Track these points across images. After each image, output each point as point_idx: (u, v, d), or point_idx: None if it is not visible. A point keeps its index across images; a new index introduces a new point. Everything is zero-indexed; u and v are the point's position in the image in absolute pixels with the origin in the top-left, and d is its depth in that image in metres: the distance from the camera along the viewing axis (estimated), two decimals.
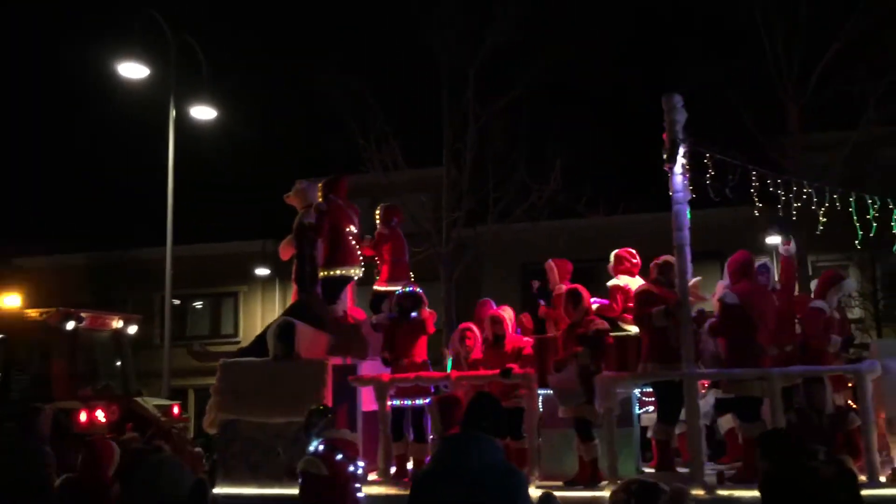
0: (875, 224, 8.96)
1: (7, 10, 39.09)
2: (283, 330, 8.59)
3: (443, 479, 3.62)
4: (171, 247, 15.39)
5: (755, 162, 8.46)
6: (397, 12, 19.47)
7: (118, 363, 12.82)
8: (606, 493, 6.38)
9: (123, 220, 26.09)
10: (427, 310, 8.92)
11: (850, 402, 8.20)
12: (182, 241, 15.61)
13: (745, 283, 7.85)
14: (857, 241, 9.26)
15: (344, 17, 20.61)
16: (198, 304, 26.99)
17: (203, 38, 16.12)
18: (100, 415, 11.17)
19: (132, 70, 14.54)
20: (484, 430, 3.74)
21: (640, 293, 8.11)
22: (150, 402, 12.19)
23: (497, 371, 8.18)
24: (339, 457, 6.24)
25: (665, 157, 7.78)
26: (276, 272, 24.42)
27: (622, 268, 9.13)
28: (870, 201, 8.91)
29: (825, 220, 9.00)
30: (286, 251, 10.27)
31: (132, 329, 12.84)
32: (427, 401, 8.31)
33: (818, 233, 9.04)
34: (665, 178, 8.06)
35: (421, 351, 8.85)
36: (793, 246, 8.57)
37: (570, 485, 7.80)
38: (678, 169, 7.76)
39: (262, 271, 25.16)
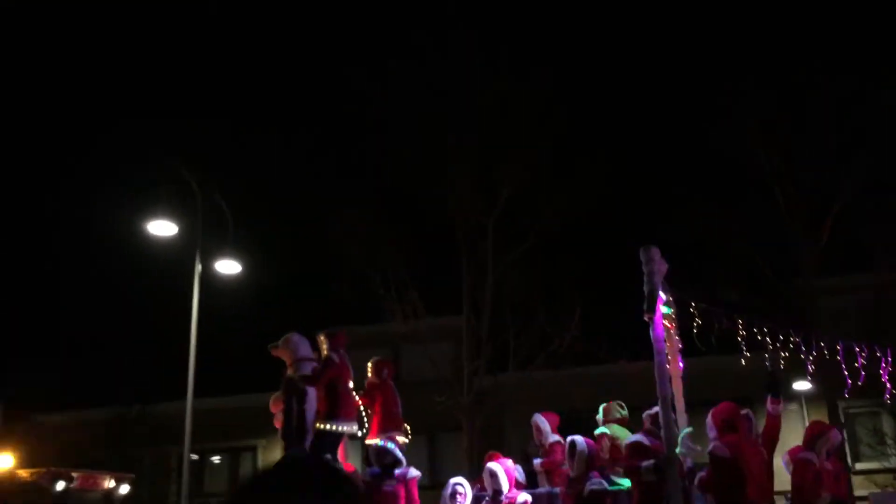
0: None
1: (38, 166, 40.74)
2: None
3: None
4: (192, 400, 15.32)
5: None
6: (415, 166, 20.12)
7: None
8: None
9: (143, 376, 26.12)
10: (412, 469, 8.90)
11: None
12: (201, 394, 15.51)
13: (733, 435, 7.70)
14: (887, 396, 9.16)
15: (362, 171, 21.34)
16: (216, 459, 26.53)
17: (228, 193, 16.69)
18: None
19: (161, 227, 14.96)
20: None
21: (632, 445, 8.07)
22: None
23: None
24: None
25: (644, 308, 7.93)
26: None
27: (610, 418, 9.29)
28: (878, 353, 9.00)
29: (812, 368, 9.01)
30: (276, 406, 10.19)
31: (124, 489, 12.68)
32: None
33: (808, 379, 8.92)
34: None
35: None
36: (782, 406, 8.39)
37: None
38: (658, 320, 7.89)
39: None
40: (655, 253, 8.09)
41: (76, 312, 35.19)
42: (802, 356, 9.06)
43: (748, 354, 9.18)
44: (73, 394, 27.16)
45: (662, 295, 8.41)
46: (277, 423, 10.01)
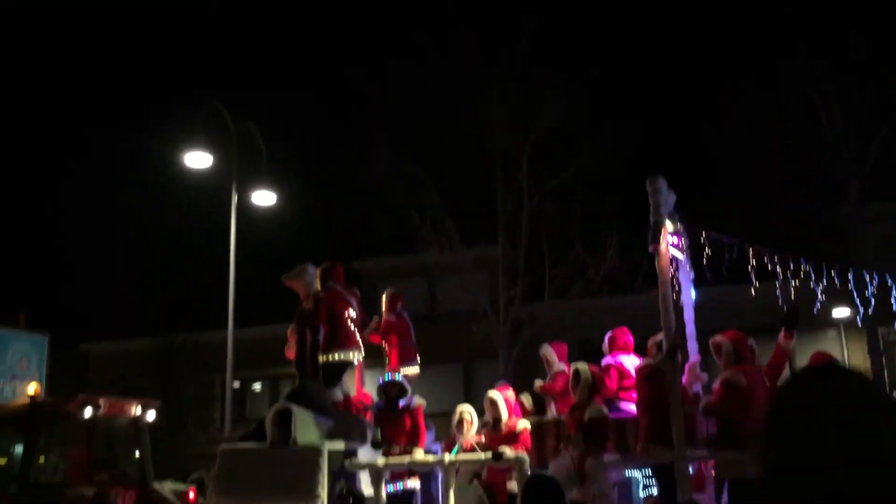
0: None
1: (77, 102, 41.04)
2: (281, 415, 8.66)
3: None
4: (233, 330, 15.60)
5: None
6: (451, 97, 19.89)
7: (137, 449, 13.08)
8: None
9: (186, 305, 26.61)
10: (416, 398, 9.11)
11: None
12: (242, 324, 15.78)
13: (744, 364, 7.73)
14: None
15: (398, 101, 21.13)
16: (256, 387, 27.16)
17: (262, 124, 16.67)
18: (113, 501, 11.31)
19: (197, 159, 15.03)
20: None
21: (640, 368, 8.16)
22: (168, 487, 12.30)
23: (490, 454, 8.25)
24: None
25: (648, 239, 7.95)
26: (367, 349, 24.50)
27: (617, 346, 9.28)
28: (867, 277, 9.02)
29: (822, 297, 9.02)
30: (292, 336, 10.42)
31: (151, 415, 13.05)
32: (417, 483, 8.76)
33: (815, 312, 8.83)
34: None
35: (414, 436, 8.90)
36: (793, 341, 8.24)
37: None
38: (663, 250, 7.88)
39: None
40: (662, 184, 8.04)
41: (119, 244, 35.84)
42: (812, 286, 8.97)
43: (757, 285, 9.09)
44: (118, 324, 27.88)
45: (670, 225, 8.36)
46: (290, 354, 10.26)
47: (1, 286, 29.51)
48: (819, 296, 9.17)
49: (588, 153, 19.32)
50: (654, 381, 7.74)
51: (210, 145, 15.28)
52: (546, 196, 19.66)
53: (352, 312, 10.03)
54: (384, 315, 10.68)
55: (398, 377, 9.23)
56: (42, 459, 12.31)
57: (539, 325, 19.68)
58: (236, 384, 21.01)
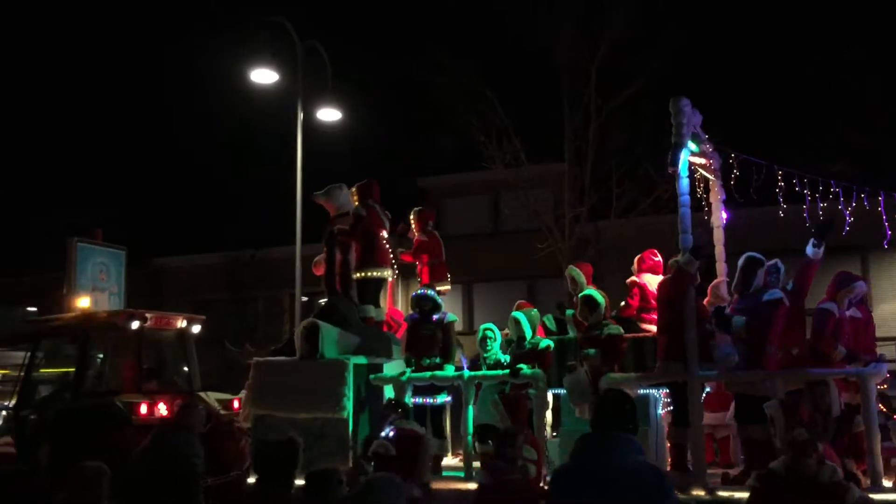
0: None
1: (147, 23, 41.31)
2: (309, 331, 9.01)
3: (585, 479, 3.53)
4: (300, 245, 15.86)
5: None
6: (517, 8, 19.40)
7: (183, 360, 13.60)
8: None
9: (255, 221, 27.16)
10: (449, 314, 9.36)
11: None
12: (310, 240, 16.01)
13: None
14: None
15: (463, 15, 20.74)
16: (322, 301, 27.74)
17: (328, 40, 16.57)
18: (162, 407, 11.83)
19: (263, 76, 15.07)
20: (623, 429, 3.65)
21: (662, 282, 8.27)
22: (213, 396, 12.80)
23: (508, 370, 8.50)
24: (405, 446, 7.12)
25: (668, 161, 7.93)
26: (400, 269, 24.80)
27: (645, 266, 9.41)
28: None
29: (851, 219, 8.95)
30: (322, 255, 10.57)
31: (196, 328, 13.55)
32: (442, 398, 9.06)
33: (843, 234, 8.90)
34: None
35: (445, 351, 9.14)
36: (821, 252, 8.12)
37: None
38: (684, 172, 7.88)
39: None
40: (685, 104, 7.97)
41: (189, 161, 36.50)
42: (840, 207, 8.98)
43: (785, 206, 9.14)
44: (191, 239, 28.63)
45: (692, 146, 8.30)
46: (318, 271, 10.47)
47: (79, 203, 30.48)
48: (847, 217, 9.09)
49: (658, 64, 18.74)
50: (673, 291, 7.76)
51: (276, 62, 15.28)
52: (614, 110, 19.22)
53: (385, 233, 10.22)
54: (415, 234, 10.82)
55: (431, 292, 9.42)
56: (95, 369, 12.99)
57: (604, 242, 19.52)
58: (304, 298, 21.48)
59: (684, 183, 7.91)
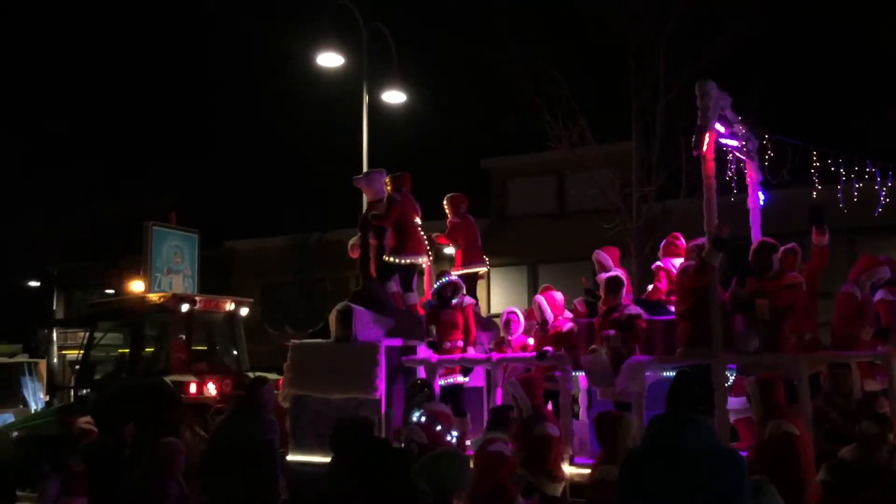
0: None
1: (215, 7, 41.99)
2: (343, 314, 9.29)
3: (659, 460, 3.50)
4: None
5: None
6: None
7: (232, 341, 13.96)
8: None
9: (322, 204, 27.48)
10: (467, 297, 9.60)
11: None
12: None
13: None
14: None
15: None
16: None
17: (391, 24, 16.62)
18: (211, 387, 12.28)
19: (328, 59, 15.22)
20: (697, 410, 3.62)
21: (683, 268, 8.23)
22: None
23: (534, 353, 8.61)
24: (438, 427, 7.11)
25: (692, 144, 7.94)
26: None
27: (671, 250, 9.50)
28: None
29: (886, 200, 8.95)
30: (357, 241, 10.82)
31: (244, 311, 13.95)
32: (464, 379, 9.30)
33: (877, 213, 8.95)
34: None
35: (466, 333, 9.38)
36: (826, 237, 8.25)
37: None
38: (710, 155, 7.85)
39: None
40: (712, 87, 7.97)
41: (257, 145, 37.11)
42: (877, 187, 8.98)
43: (819, 187, 9.08)
44: (260, 222, 29.13)
45: (720, 128, 8.30)
46: (354, 254, 10.68)
47: (155, 188, 31.26)
48: (882, 198, 9.10)
49: (728, 40, 18.27)
50: (695, 280, 7.75)
51: (342, 45, 15.41)
52: (683, 87, 18.82)
53: (417, 219, 10.48)
54: (449, 217, 11.07)
55: (446, 279, 9.69)
56: (149, 350, 13.47)
57: (673, 222, 19.21)
58: None
59: (710, 166, 7.93)
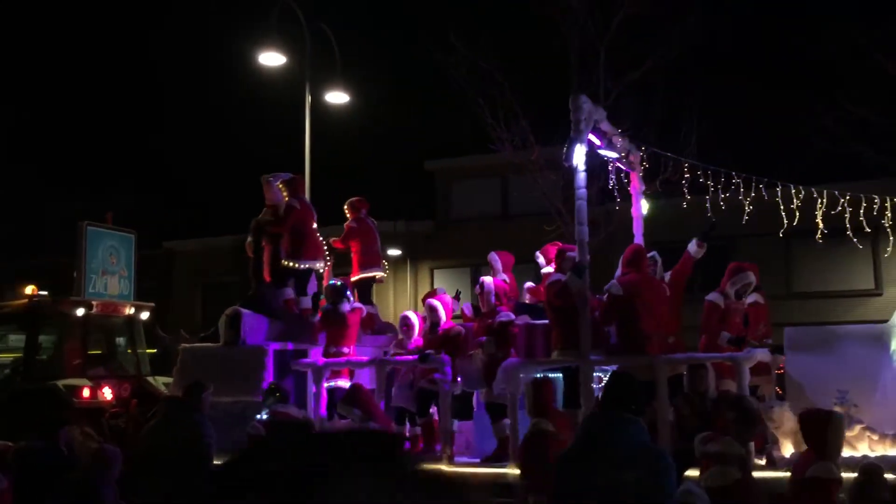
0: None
1: (156, 4, 41.25)
2: (231, 318, 9.50)
3: (590, 459, 3.57)
4: None
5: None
6: None
7: (131, 346, 13.91)
8: (511, 471, 7.58)
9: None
10: (355, 304, 9.82)
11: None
12: (318, 223, 16.08)
13: (634, 273, 8.17)
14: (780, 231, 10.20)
15: None
16: (337, 282, 27.83)
17: (335, 24, 16.52)
18: (106, 392, 12.39)
19: (271, 59, 15.05)
20: (629, 410, 3.68)
21: (550, 283, 8.50)
22: (160, 381, 13.03)
23: (416, 356, 8.90)
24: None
25: (563, 157, 8.37)
26: (408, 253, 24.83)
27: (550, 257, 9.71)
28: (793, 190, 9.72)
29: (750, 208, 9.76)
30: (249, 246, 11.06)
31: (144, 315, 13.91)
32: (348, 382, 9.35)
33: (743, 222, 9.72)
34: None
35: (349, 339, 9.59)
36: (703, 250, 8.81)
37: (484, 461, 8.38)
38: (580, 166, 8.16)
39: (393, 252, 25.65)
40: (584, 101, 8.31)
41: (197, 143, 36.54)
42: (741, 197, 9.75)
43: (689, 197, 9.96)
44: (201, 223, 28.69)
45: (595, 140, 8.81)
46: (250, 253, 10.79)
47: (89, 186, 30.58)
48: (747, 208, 9.85)
49: (669, 44, 18.61)
50: (562, 297, 8.15)
51: (284, 45, 15.26)
52: (623, 92, 19.11)
53: (315, 224, 10.67)
54: (348, 221, 11.19)
55: (338, 283, 9.93)
56: (43, 355, 13.38)
57: (614, 225, 19.47)
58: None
59: (581, 177, 8.24)
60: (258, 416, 8.03)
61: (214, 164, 34.61)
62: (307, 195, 15.42)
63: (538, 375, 8.49)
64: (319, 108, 16.74)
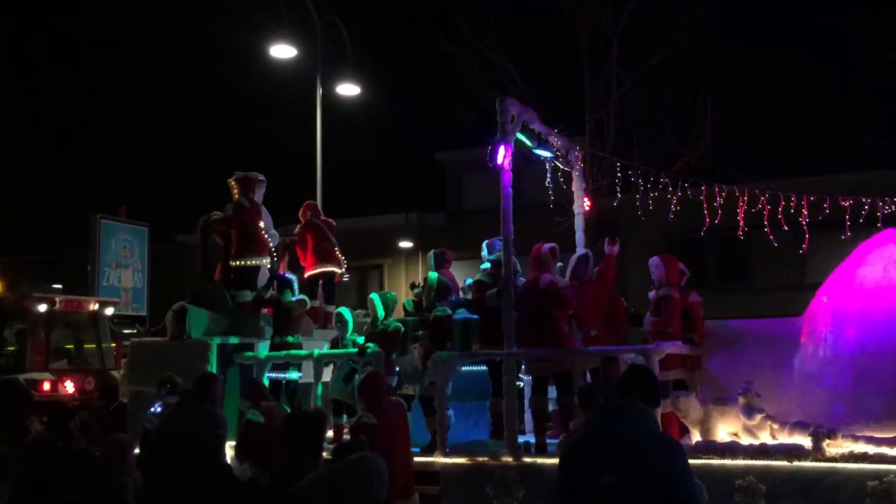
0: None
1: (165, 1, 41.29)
2: (177, 313, 9.86)
3: (597, 447, 3.56)
4: None
5: None
6: None
7: (95, 341, 14.13)
8: (438, 460, 8.14)
9: (276, 197, 27.22)
10: (299, 296, 10.06)
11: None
12: (329, 216, 16.10)
13: (539, 272, 8.65)
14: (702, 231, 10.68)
15: None
16: (345, 277, 27.89)
17: (346, 16, 16.50)
18: (68, 385, 12.70)
19: (282, 51, 15.06)
20: (638, 398, 3.68)
21: (474, 281, 9.05)
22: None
23: (355, 350, 9.13)
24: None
25: (487, 157, 8.55)
26: (420, 244, 24.81)
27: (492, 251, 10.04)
28: (716, 189, 10.24)
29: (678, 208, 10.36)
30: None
31: (109, 311, 14.16)
32: (293, 374, 9.72)
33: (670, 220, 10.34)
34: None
35: (293, 329, 9.84)
36: (617, 248, 9.16)
37: (423, 452, 8.57)
38: (506, 166, 8.40)
39: (405, 244, 25.63)
40: (510, 104, 8.65)
41: (211, 137, 36.63)
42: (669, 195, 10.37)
43: (619, 195, 10.91)
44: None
45: (526, 140, 9.27)
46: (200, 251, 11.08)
47: (105, 181, 30.71)
48: (673, 206, 10.51)
49: (681, 34, 18.49)
50: (482, 293, 8.67)
51: (296, 37, 15.27)
52: (636, 81, 18.99)
53: (262, 223, 10.94)
54: (301, 223, 11.69)
55: (287, 276, 10.26)
56: (8, 349, 13.77)
57: (625, 215, 19.39)
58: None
59: (506, 177, 8.48)
60: (152, 409, 8.31)
61: (226, 156, 34.72)
62: (318, 191, 15.56)
63: (370, 369, 8.66)
64: (331, 101, 16.76)
